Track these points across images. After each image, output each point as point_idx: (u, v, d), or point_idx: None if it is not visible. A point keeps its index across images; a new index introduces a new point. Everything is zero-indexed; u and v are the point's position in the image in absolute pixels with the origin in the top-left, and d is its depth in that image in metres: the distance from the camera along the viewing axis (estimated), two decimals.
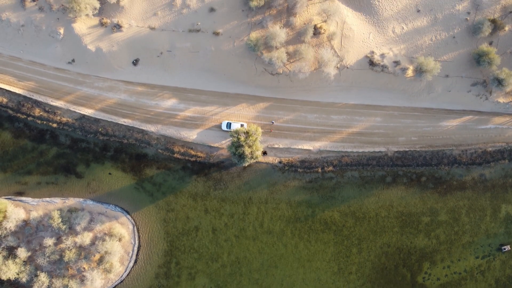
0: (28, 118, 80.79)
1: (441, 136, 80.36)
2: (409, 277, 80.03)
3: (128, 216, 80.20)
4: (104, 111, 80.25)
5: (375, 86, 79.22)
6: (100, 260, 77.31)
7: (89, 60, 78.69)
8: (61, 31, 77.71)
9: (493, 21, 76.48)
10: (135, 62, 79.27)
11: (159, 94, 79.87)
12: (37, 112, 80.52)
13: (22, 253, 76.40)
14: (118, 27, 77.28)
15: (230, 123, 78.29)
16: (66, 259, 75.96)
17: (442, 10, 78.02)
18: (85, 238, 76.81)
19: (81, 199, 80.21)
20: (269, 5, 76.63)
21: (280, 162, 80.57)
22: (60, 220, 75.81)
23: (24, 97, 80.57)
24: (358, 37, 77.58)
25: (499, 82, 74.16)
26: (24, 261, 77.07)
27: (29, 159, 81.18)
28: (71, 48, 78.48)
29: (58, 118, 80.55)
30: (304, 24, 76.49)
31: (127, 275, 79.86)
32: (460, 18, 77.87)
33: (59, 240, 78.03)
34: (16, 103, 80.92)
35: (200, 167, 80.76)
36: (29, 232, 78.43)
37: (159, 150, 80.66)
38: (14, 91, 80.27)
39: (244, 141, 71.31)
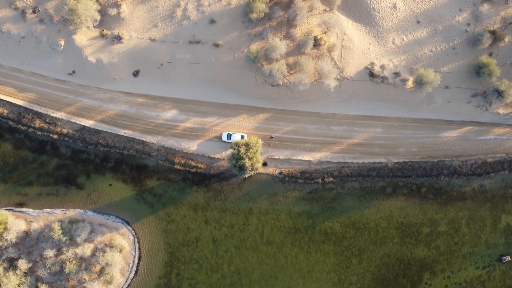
0: (29, 129, 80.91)
1: (441, 147, 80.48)
2: (410, 287, 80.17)
3: (128, 227, 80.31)
4: (104, 122, 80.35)
5: (375, 97, 79.37)
6: (101, 271, 77.36)
7: (90, 71, 78.80)
8: (62, 42, 77.81)
9: (493, 33, 76.64)
10: (136, 74, 79.40)
11: (159, 105, 79.99)
12: (38, 123, 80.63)
13: (23, 264, 76.47)
14: (118, 38, 77.39)
15: (231, 134, 78.41)
16: (67, 270, 76.05)
17: (442, 21, 78.18)
18: (86, 249, 76.88)
19: (82, 210, 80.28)
20: (269, 17, 76.77)
21: (280, 173, 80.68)
22: (60, 232, 75.87)
23: (25, 108, 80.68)
24: (358, 48, 77.71)
25: (499, 93, 74.30)
26: (24, 273, 77.12)
27: (29, 170, 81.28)
28: (71, 60, 78.59)
29: (59, 129, 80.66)
30: (304, 35, 76.62)
31: (128, 286, 79.93)
32: (460, 29, 78.02)
33: (59, 251, 78.10)
34: (16, 114, 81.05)
35: (200, 178, 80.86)
36: (29, 243, 78.51)
37: (160, 161, 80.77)
38: (15, 102, 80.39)
39: (244, 154, 71.41)
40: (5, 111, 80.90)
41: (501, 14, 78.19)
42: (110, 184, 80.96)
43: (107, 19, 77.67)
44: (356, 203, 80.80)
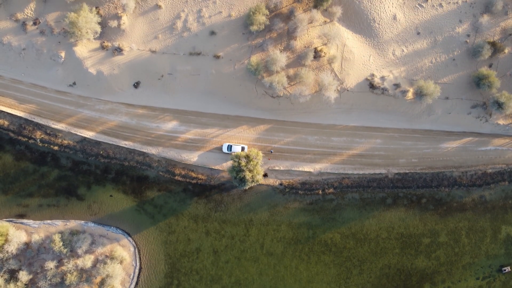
0: (30, 141, 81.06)
1: (441, 158, 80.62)
2: None
3: (129, 238, 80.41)
4: (105, 134, 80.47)
5: (375, 108, 79.50)
6: (102, 283, 77.47)
7: (90, 83, 78.93)
8: (62, 54, 77.94)
9: (492, 44, 76.76)
10: (136, 85, 79.53)
11: (160, 117, 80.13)
12: (39, 134, 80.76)
13: (24, 276, 76.57)
14: (119, 50, 77.52)
15: (231, 146, 78.53)
16: (67, 282, 76.19)
17: (442, 33, 78.30)
18: (87, 261, 77.01)
19: (83, 221, 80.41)
20: (270, 29, 76.86)
21: (280, 184, 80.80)
22: (61, 243, 75.98)
23: (26, 120, 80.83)
24: (358, 60, 77.83)
25: (499, 105, 74.42)
26: (25, 284, 77.22)
27: (30, 181, 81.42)
28: (72, 71, 78.71)
29: (59, 140, 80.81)
30: (305, 47, 76.74)
31: None
32: (460, 40, 78.15)
33: (60, 263, 78.18)
34: (17, 126, 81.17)
35: (201, 189, 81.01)
36: (30, 254, 78.62)
37: (160, 173, 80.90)
38: (16, 114, 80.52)
39: (245, 166, 71.55)
40: (6, 123, 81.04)
41: (501, 25, 78.30)
42: (111, 195, 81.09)
43: (107, 30, 77.79)
44: (357, 214, 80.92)
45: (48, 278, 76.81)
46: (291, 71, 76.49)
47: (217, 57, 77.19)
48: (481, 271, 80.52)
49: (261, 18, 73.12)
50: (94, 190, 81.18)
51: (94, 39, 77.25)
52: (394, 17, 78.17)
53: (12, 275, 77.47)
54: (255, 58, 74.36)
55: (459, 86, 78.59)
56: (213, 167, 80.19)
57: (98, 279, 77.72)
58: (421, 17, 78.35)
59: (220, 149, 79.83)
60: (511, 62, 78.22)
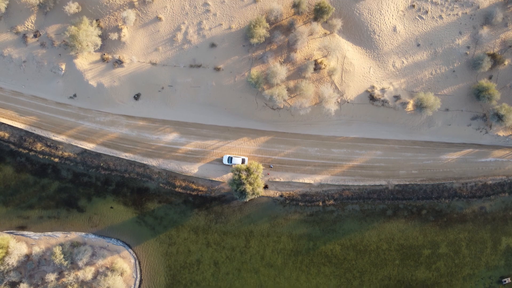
0: (30, 153, 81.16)
1: (442, 169, 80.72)
2: None
3: (129, 250, 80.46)
4: (105, 146, 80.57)
5: (375, 120, 79.58)
6: None
7: (91, 95, 79.02)
8: (63, 66, 78.02)
9: (492, 56, 76.92)
10: (137, 97, 79.60)
11: (160, 128, 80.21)
12: (39, 146, 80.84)
13: None
14: (119, 62, 77.60)
15: (232, 157, 78.60)
16: None
17: (442, 44, 78.39)
18: (87, 272, 77.08)
19: (83, 233, 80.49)
20: (270, 41, 76.94)
21: (281, 196, 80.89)
22: (62, 256, 76.02)
23: (26, 131, 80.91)
24: (358, 72, 77.91)
25: (499, 118, 74.50)
26: None
27: (31, 193, 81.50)
28: (72, 83, 78.80)
29: (60, 152, 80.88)
30: (305, 59, 76.81)
31: None
32: (460, 52, 78.25)
33: (61, 275, 78.24)
34: (18, 137, 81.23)
35: (201, 201, 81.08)
36: (31, 266, 78.66)
37: (161, 184, 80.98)
38: (16, 125, 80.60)
39: (245, 179, 71.63)
40: (7, 135, 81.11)
41: (501, 37, 78.41)
42: (111, 207, 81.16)
43: (108, 43, 77.87)
44: (357, 225, 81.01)
45: None
46: (291, 83, 76.57)
47: (217, 69, 77.26)
48: (481, 282, 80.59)
49: (262, 31, 73.20)
50: (94, 202, 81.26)
51: (95, 51, 77.37)
52: (394, 29, 78.28)
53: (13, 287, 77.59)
54: (255, 71, 74.42)
55: (459, 98, 78.69)
56: (213, 179, 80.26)
57: None
58: (421, 29, 78.45)
59: (220, 160, 79.90)
60: (511, 74, 78.30)
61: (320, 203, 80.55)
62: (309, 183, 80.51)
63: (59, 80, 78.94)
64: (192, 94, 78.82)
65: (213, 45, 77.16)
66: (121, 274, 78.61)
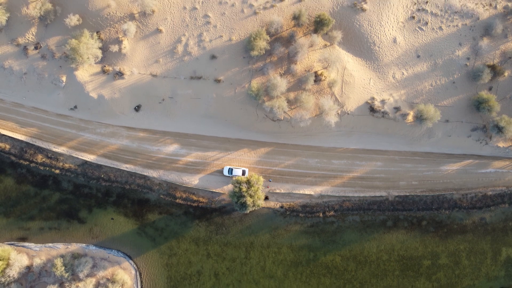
0: (31, 164, 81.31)
1: (442, 180, 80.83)
2: None
3: (130, 261, 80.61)
4: (106, 157, 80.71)
5: (375, 131, 79.70)
6: None
7: (91, 106, 79.16)
8: (64, 78, 78.17)
9: (492, 67, 77.05)
10: (137, 108, 79.74)
11: (161, 140, 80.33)
12: (40, 158, 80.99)
13: None
14: (120, 74, 77.75)
15: (232, 169, 78.72)
16: None
17: (442, 56, 78.51)
18: (88, 284, 77.24)
19: (84, 245, 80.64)
20: (270, 52, 77.06)
21: (281, 207, 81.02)
22: (63, 268, 76.14)
23: (27, 143, 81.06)
24: (358, 83, 78.03)
25: (499, 129, 74.61)
26: None
27: (31, 204, 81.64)
28: (73, 95, 78.94)
29: (61, 164, 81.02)
30: (305, 71, 76.93)
31: None
32: (460, 63, 78.37)
33: (62, 286, 78.35)
34: (18, 149, 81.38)
35: (202, 212, 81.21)
36: (32, 278, 78.78)
37: (161, 196, 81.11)
38: (17, 137, 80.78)
39: (246, 192, 71.75)
40: (7, 146, 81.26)
41: (501, 48, 78.55)
42: (112, 218, 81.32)
43: (108, 55, 78.00)
44: (357, 236, 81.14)
45: None
46: (292, 95, 76.69)
47: (218, 81, 77.39)
48: None
49: (262, 44, 73.32)
50: (95, 213, 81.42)
51: (95, 63, 77.49)
52: (394, 40, 78.42)
53: None
54: (255, 83, 74.55)
55: (459, 109, 78.81)
56: (214, 190, 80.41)
57: None
58: (421, 40, 78.58)
59: (221, 172, 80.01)
60: (511, 85, 78.43)
61: (321, 214, 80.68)
62: (310, 194, 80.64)
63: (59, 91, 79.10)
64: (192, 105, 78.94)
65: (213, 57, 77.28)
66: (122, 286, 78.74)
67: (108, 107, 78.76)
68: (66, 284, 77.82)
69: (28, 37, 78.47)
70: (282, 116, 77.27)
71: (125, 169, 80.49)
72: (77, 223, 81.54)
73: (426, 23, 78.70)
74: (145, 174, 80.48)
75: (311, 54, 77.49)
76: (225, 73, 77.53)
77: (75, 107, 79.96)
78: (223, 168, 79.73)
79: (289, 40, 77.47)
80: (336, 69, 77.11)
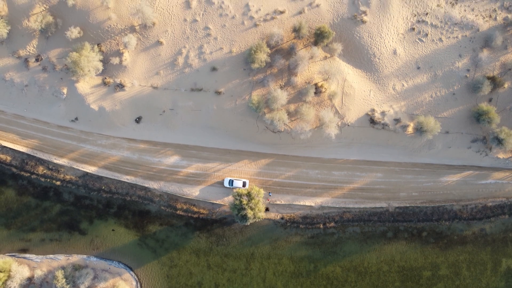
0: (32, 176, 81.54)
1: (442, 191, 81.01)
2: None
3: (131, 272, 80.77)
4: (107, 169, 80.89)
5: (376, 142, 79.87)
6: None
7: (92, 118, 79.36)
8: (64, 90, 78.38)
9: (492, 79, 77.17)
10: (138, 120, 79.92)
11: (161, 151, 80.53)
12: (41, 170, 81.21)
13: None
14: (120, 86, 77.95)
15: (233, 180, 78.89)
16: None
17: (442, 67, 78.67)
18: None
19: (85, 256, 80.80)
20: (271, 64, 77.21)
21: (282, 218, 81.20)
22: (64, 280, 76.28)
23: (28, 155, 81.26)
24: (359, 95, 78.21)
25: (499, 141, 74.76)
26: None
27: (32, 216, 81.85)
28: (74, 107, 79.14)
29: (62, 175, 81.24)
30: (305, 82, 77.12)
31: None
32: (460, 75, 78.53)
33: None
34: (19, 161, 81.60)
35: (202, 223, 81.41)
36: None
37: (162, 207, 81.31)
38: (18, 149, 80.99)
39: (246, 204, 71.93)
40: (8, 158, 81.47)
41: (501, 59, 78.72)
42: (113, 230, 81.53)
43: (109, 67, 78.17)
44: (358, 247, 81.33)
45: None
46: (292, 107, 76.84)
47: (218, 93, 77.58)
48: None
49: (262, 56, 73.50)
50: (96, 225, 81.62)
51: (96, 75, 77.60)
52: (395, 52, 78.62)
53: None
54: (256, 96, 74.73)
55: (459, 121, 78.98)
56: (214, 202, 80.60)
57: None
58: (421, 52, 78.75)
59: (221, 183, 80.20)
60: (511, 96, 78.61)
61: (321, 225, 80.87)
62: (310, 206, 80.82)
63: (60, 103, 79.31)
64: (193, 117, 79.12)
65: (214, 69, 77.46)
66: None
67: (109, 118, 78.95)
68: None
69: (29, 50, 78.68)
70: (282, 128, 77.46)
71: (126, 180, 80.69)
72: (78, 234, 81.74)
73: (426, 35, 78.89)
74: (146, 185, 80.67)
75: (311, 66, 77.67)
76: (226, 85, 77.71)
77: (76, 118, 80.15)
78: (223, 180, 79.93)
79: (290, 52, 77.66)
80: (337, 80, 77.29)
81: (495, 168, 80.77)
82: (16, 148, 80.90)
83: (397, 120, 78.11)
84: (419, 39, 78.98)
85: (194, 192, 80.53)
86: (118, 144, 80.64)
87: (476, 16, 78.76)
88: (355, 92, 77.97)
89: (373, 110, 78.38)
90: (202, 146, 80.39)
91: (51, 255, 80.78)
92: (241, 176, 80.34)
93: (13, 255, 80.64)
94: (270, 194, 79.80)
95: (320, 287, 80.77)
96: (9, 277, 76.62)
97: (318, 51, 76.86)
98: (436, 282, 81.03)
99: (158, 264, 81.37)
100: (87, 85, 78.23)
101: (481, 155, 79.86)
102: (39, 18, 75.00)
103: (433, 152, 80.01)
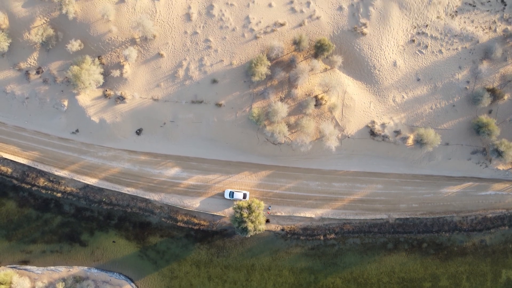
0: (33, 188, 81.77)
1: (442, 202, 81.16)
2: None
3: (132, 284, 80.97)
4: (108, 180, 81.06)
5: (376, 154, 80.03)
6: None
7: (93, 130, 79.55)
8: (65, 103, 78.59)
9: (492, 90, 77.32)
10: (139, 132, 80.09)
11: (162, 163, 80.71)
12: (42, 182, 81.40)
13: None
14: (121, 98, 78.14)
15: (233, 192, 79.06)
16: None
17: (441, 79, 78.84)
18: None
19: (86, 268, 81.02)
20: (271, 77, 77.35)
21: (282, 230, 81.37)
22: None
23: (29, 167, 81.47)
24: (359, 107, 78.38)
25: (499, 153, 74.87)
26: None
27: (33, 227, 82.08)
28: (75, 119, 79.34)
29: (63, 187, 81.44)
30: (306, 95, 77.31)
31: None
32: (460, 87, 78.71)
33: None
34: (20, 173, 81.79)
35: (203, 235, 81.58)
36: None
37: (163, 219, 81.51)
38: (19, 161, 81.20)
39: (247, 217, 72.09)
40: (9, 170, 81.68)
41: (501, 71, 78.87)
42: (114, 241, 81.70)
43: (110, 79, 78.36)
44: (358, 258, 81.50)
45: None
46: (292, 119, 77.01)
47: (218, 105, 77.77)
48: None
49: (263, 69, 73.68)
50: (97, 236, 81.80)
51: (97, 87, 77.75)
52: (395, 64, 78.80)
53: None
54: (256, 109, 74.85)
55: (459, 132, 79.13)
56: (215, 213, 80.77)
57: None
58: (421, 64, 78.93)
59: (222, 195, 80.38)
60: (511, 108, 78.77)
61: (321, 237, 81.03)
62: (310, 217, 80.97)
63: (61, 116, 79.50)
64: (193, 129, 79.29)
65: (214, 81, 77.65)
66: None
67: (109, 131, 79.13)
68: None
69: (30, 62, 78.89)
70: (283, 140, 77.62)
71: (126, 192, 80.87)
72: (79, 246, 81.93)
73: (426, 47, 79.07)
74: (147, 197, 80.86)
75: (311, 78, 77.84)
76: (226, 97, 77.89)
77: (77, 131, 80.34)
78: (224, 191, 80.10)
79: (290, 64, 77.85)
80: (337, 92, 77.44)
81: (495, 179, 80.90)
82: (17, 160, 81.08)
83: (397, 132, 78.28)
84: (419, 51, 79.16)
85: (194, 203, 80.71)
86: (119, 156, 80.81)
87: (476, 28, 78.95)
88: (355, 104, 78.15)
89: (373, 122, 78.55)
90: (202, 158, 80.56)
91: (52, 267, 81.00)
92: (242, 187, 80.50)
93: (14, 267, 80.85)
94: (270, 207, 79.93)
95: None
96: None
97: (318, 64, 77.06)
98: None
99: (159, 275, 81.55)
100: (88, 97, 78.42)
101: (481, 166, 80.00)
102: (40, 31, 75.20)
103: (433, 164, 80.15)
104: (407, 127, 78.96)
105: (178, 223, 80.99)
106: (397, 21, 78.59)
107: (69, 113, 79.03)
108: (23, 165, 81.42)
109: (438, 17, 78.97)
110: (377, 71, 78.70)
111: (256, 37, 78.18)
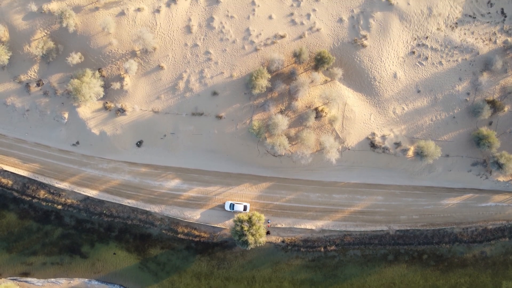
0: (33, 200, 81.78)
1: (442, 214, 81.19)
2: None
3: None
4: (108, 192, 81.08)
5: (376, 165, 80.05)
6: None
7: (93, 142, 79.57)
8: (66, 115, 78.63)
9: (492, 102, 77.41)
10: (139, 144, 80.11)
11: (162, 175, 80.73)
12: (42, 194, 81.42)
13: None
14: (122, 111, 78.16)
15: (234, 204, 79.09)
16: None
17: (442, 91, 78.89)
18: None
19: (86, 280, 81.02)
20: (271, 89, 77.37)
21: (283, 241, 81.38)
22: None
23: (29, 179, 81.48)
24: (359, 119, 78.42)
25: (499, 166, 74.96)
26: None
27: (34, 239, 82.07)
28: (75, 131, 79.37)
29: (63, 199, 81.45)
30: (306, 107, 77.35)
31: None
32: (460, 98, 78.76)
33: None
34: (21, 185, 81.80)
35: (203, 247, 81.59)
36: None
37: (163, 231, 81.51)
38: (19, 173, 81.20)
39: (247, 230, 72.09)
40: (10, 182, 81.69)
41: (501, 83, 78.94)
42: (114, 253, 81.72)
43: (110, 91, 78.38)
44: (358, 270, 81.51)
45: None
46: (293, 131, 77.04)
47: (219, 117, 77.81)
48: None
49: (263, 82, 73.74)
50: (97, 248, 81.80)
51: (97, 100, 77.69)
52: (395, 76, 78.85)
53: None
54: (256, 122, 74.85)
55: (460, 144, 79.17)
56: (215, 225, 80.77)
57: None
58: (422, 75, 78.99)
59: (222, 206, 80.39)
60: (511, 120, 78.81)
61: (322, 249, 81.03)
62: (311, 229, 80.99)
63: (62, 128, 79.54)
64: (194, 141, 79.32)
65: (214, 93, 77.69)
66: None
67: (110, 143, 79.15)
68: None
69: (30, 75, 78.93)
70: (283, 152, 77.63)
71: (127, 204, 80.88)
72: (79, 258, 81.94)
73: (426, 58, 79.14)
74: (147, 209, 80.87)
75: (312, 90, 77.89)
76: (227, 109, 77.93)
77: (77, 143, 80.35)
78: (224, 203, 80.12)
79: (290, 76, 77.91)
80: (337, 104, 77.45)
81: (496, 191, 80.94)
82: (17, 172, 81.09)
83: (397, 144, 78.32)
84: (419, 62, 79.23)
85: (195, 215, 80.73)
86: (119, 168, 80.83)
87: (476, 39, 79.03)
88: (356, 116, 78.19)
89: (373, 134, 78.59)
90: (203, 170, 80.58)
91: (52, 279, 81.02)
92: (242, 199, 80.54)
93: (15, 279, 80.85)
94: (269, 221, 79.88)
95: None
96: None
97: (319, 76, 77.12)
98: None
99: (160, 287, 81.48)
100: (88, 109, 78.45)
101: (481, 178, 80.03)
102: (40, 44, 75.25)
103: (433, 175, 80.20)
104: (408, 139, 78.99)
105: (179, 235, 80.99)
106: (397, 33, 78.66)
107: (70, 125, 79.06)
108: (24, 177, 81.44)
109: (438, 29, 79.06)
110: (377, 83, 78.75)
111: (256, 49, 78.24)
